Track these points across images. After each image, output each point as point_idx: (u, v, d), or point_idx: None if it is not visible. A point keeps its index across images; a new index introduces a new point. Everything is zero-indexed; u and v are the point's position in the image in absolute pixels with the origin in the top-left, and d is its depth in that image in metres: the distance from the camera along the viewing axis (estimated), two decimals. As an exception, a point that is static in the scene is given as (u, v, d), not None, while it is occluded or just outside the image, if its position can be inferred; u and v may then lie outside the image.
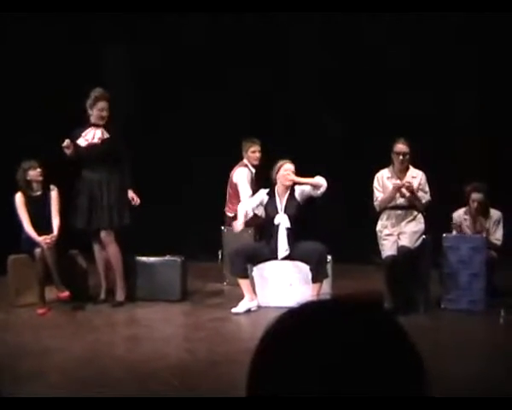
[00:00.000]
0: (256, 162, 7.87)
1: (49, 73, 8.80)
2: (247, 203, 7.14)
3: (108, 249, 7.09)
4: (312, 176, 6.76)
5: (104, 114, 6.99)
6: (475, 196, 6.98)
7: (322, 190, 6.70)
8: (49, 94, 8.60)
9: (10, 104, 8.67)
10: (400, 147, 6.70)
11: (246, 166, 7.87)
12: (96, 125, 7.01)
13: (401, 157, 6.68)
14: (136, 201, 7.18)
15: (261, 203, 6.93)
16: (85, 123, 7.06)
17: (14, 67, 8.75)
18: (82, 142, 6.98)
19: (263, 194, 6.95)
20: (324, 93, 8.88)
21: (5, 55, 8.72)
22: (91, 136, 6.99)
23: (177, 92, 9.13)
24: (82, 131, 7.03)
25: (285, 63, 9.04)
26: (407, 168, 6.79)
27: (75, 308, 6.87)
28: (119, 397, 4.23)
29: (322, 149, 8.71)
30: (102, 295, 7.19)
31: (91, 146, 6.95)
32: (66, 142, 6.83)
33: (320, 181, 6.71)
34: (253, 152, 7.86)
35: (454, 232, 7.04)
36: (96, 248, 7.20)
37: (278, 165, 6.84)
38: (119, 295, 7.12)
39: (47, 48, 8.87)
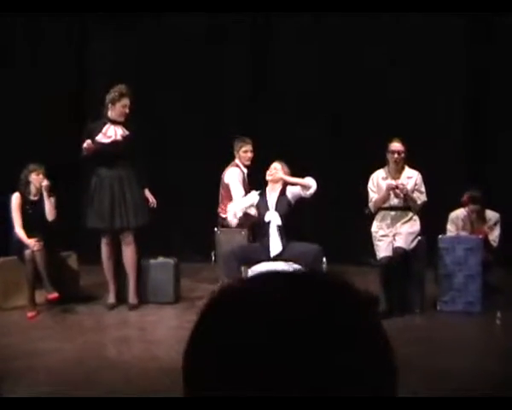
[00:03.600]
0: (248, 162, 7.82)
1: (51, 75, 8.91)
2: (237, 204, 7.17)
3: (127, 250, 6.96)
4: (303, 177, 6.83)
5: (127, 111, 6.88)
6: (473, 207, 7.02)
7: (312, 191, 6.79)
8: (52, 97, 8.72)
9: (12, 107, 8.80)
10: (395, 146, 6.71)
11: (237, 166, 7.82)
12: (115, 122, 6.88)
13: (396, 155, 6.68)
14: (153, 201, 7.15)
15: (252, 205, 7.02)
16: (99, 118, 6.92)
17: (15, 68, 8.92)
18: (103, 139, 6.83)
19: (254, 196, 7.06)
20: (317, 93, 8.86)
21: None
22: (113, 132, 6.86)
23: (168, 90, 9.08)
24: (99, 128, 6.86)
25: (277, 62, 9.04)
26: (402, 168, 6.80)
27: (65, 310, 6.86)
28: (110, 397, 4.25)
29: (315, 149, 8.70)
30: (112, 300, 7.04)
31: (114, 143, 6.82)
32: (88, 143, 6.68)
33: (309, 182, 6.80)
34: (244, 152, 7.80)
35: (450, 229, 7.08)
36: (106, 249, 7.03)
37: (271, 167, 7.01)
38: (133, 298, 7.01)
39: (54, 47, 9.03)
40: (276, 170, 6.98)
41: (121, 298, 7.10)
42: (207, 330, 0.79)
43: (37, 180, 7.01)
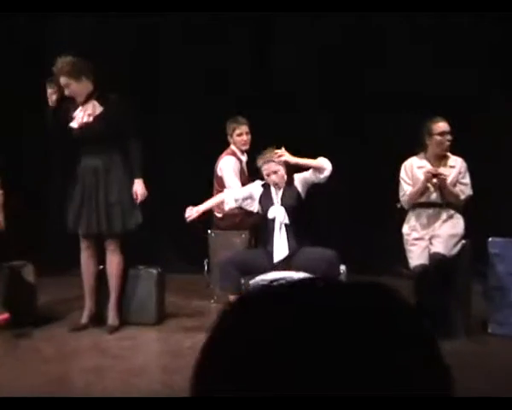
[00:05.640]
0: (244, 147, 7.13)
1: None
2: (230, 192, 6.44)
3: (111, 259, 6.31)
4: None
5: (67, 91, 6.08)
6: None
7: (327, 173, 6.00)
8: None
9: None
10: (442, 125, 6.05)
11: (233, 153, 7.15)
12: (80, 102, 6.16)
13: (448, 137, 6.04)
14: (141, 195, 6.17)
15: (251, 197, 6.24)
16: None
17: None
18: (73, 124, 6.17)
19: (256, 186, 6.27)
20: (317, 91, 8.58)
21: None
22: (81, 113, 6.16)
23: (163, 88, 8.92)
24: (70, 112, 6.21)
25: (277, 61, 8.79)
26: (444, 155, 6.16)
27: (19, 335, 6.22)
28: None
29: (338, 139, 8.33)
30: (85, 320, 6.38)
31: (84, 126, 6.11)
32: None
33: (323, 163, 5.99)
34: (239, 135, 7.10)
35: None
36: (85, 255, 6.39)
37: (260, 160, 6.16)
38: (113, 319, 6.36)
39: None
40: (280, 154, 6.04)
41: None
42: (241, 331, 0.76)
43: None
